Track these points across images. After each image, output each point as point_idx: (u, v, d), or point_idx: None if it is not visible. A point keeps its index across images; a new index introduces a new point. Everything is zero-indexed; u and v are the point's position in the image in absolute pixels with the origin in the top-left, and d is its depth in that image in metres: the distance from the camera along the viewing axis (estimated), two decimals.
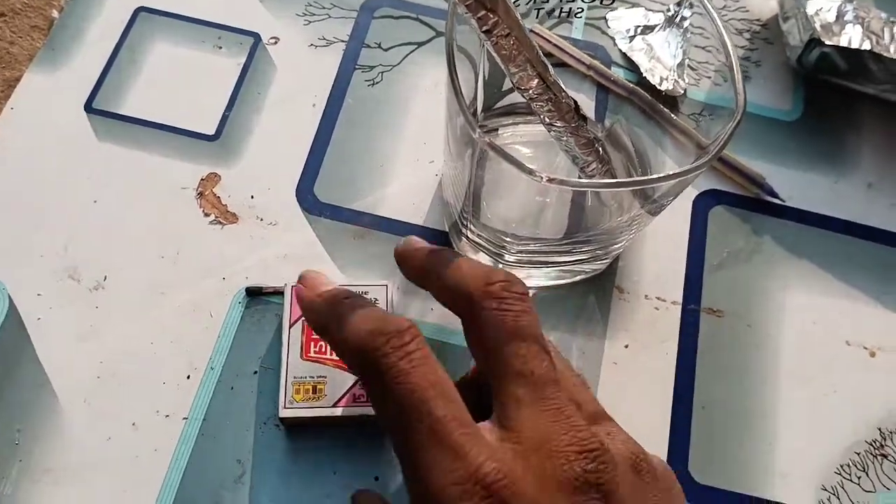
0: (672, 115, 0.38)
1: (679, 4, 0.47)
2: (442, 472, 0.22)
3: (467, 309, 0.26)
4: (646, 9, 0.39)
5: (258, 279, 0.37)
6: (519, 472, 0.22)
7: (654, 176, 0.27)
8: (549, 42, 0.43)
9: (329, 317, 0.27)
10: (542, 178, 0.27)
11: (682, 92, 0.42)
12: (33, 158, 0.40)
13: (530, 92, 0.31)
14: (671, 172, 0.27)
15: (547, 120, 0.33)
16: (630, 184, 0.28)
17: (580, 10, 0.45)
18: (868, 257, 0.40)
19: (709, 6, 0.33)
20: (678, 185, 0.29)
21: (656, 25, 0.45)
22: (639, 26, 0.45)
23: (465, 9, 0.28)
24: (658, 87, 0.42)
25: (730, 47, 0.30)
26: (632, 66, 0.43)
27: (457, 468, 0.22)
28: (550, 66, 0.31)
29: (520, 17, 0.29)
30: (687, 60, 0.42)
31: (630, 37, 0.44)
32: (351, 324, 0.25)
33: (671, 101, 0.42)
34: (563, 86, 0.32)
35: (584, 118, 0.33)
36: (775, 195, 0.41)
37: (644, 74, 0.42)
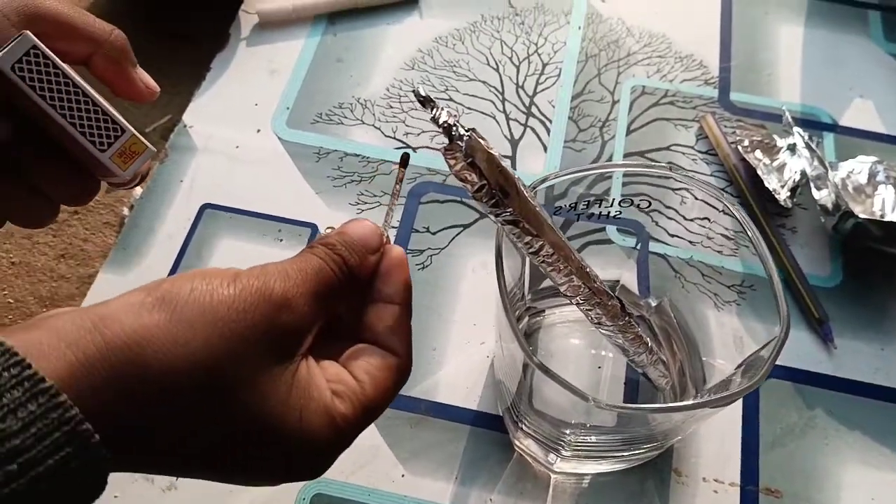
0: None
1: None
2: None
3: None
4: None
5: None
6: None
7: (704, 399, 0.28)
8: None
9: None
10: (592, 401, 0.29)
11: (790, 207, 0.47)
12: None
13: (577, 298, 0.33)
14: (714, 397, 0.28)
15: (595, 320, 0.34)
16: (682, 408, 0.29)
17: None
18: None
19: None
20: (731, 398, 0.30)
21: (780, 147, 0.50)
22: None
23: (513, 236, 0.30)
24: (775, 194, 0.47)
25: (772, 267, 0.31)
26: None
27: None
28: (595, 275, 0.33)
29: (562, 236, 0.31)
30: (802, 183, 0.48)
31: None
32: None
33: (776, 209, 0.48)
34: (609, 290, 0.33)
35: (631, 315, 0.35)
36: (831, 339, 0.42)
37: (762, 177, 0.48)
